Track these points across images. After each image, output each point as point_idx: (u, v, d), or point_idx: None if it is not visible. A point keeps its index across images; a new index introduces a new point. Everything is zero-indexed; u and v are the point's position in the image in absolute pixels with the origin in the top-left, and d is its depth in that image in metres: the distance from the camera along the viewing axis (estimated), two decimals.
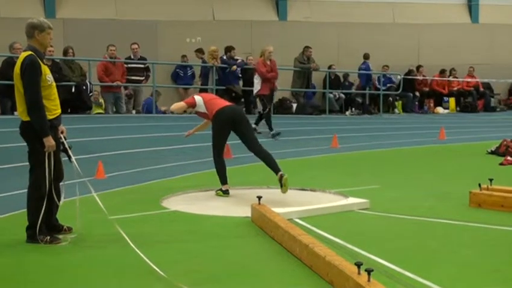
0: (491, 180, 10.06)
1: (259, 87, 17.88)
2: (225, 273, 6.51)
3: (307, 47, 23.36)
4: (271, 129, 17.74)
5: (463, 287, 5.97)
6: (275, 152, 14.78)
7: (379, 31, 26.89)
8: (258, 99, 19.22)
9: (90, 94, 19.33)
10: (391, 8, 27.84)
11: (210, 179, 11.64)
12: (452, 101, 27.31)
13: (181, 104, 10.93)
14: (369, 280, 5.29)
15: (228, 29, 23.72)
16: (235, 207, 9.82)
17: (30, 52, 7.57)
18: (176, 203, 9.99)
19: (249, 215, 8.86)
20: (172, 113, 10.38)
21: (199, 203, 10.09)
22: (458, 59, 27.09)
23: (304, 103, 23.62)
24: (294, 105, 23.69)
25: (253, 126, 16.67)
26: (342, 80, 25.55)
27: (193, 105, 10.79)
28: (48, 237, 7.70)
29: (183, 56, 23.20)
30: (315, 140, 17.68)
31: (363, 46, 26.26)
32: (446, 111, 26.94)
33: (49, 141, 7.56)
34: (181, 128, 16.03)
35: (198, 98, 10.81)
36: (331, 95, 24.62)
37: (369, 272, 5.30)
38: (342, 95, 25.18)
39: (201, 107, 10.72)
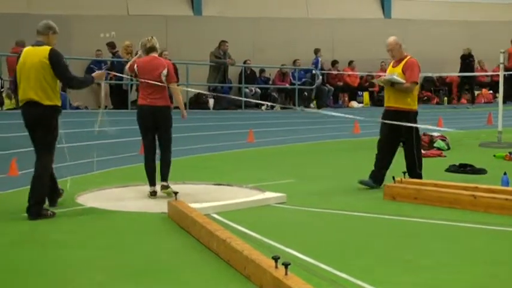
0: (404, 173, 10.24)
1: None
2: (142, 269, 6.46)
3: (223, 41, 23.40)
4: None
5: (378, 278, 6.05)
6: (191, 147, 14.82)
7: (294, 26, 27.08)
8: None
9: (2, 89, 18.95)
10: (305, 3, 28.07)
11: (126, 175, 11.55)
12: (366, 95, 27.72)
13: None
14: (286, 274, 5.32)
15: (143, 23, 23.53)
16: (151, 203, 9.76)
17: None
18: (92, 200, 9.87)
19: (166, 211, 8.82)
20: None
21: (115, 199, 9.99)
22: (371, 54, 27.46)
23: (221, 97, 23.66)
24: (211, 101, 23.66)
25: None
26: (257, 75, 25.66)
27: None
28: (50, 212, 8.76)
29: (98, 51, 22.95)
30: (231, 134, 17.69)
31: (278, 41, 26.43)
32: (360, 105, 27.29)
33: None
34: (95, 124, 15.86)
35: None
36: (247, 90, 24.70)
37: (286, 265, 5.32)
38: (258, 90, 25.28)
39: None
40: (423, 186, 9.81)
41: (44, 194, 8.90)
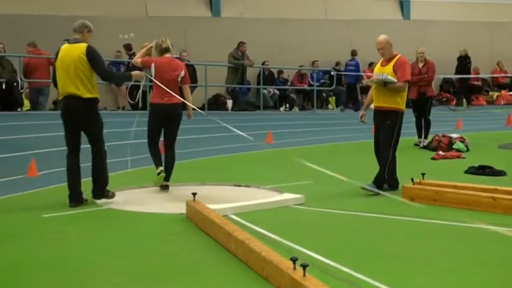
0: (423, 174, 10.19)
1: None
2: (160, 270, 6.48)
3: (241, 43, 23.40)
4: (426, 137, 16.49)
5: (396, 280, 6.03)
6: (210, 148, 14.83)
7: (313, 27, 27.06)
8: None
9: (21, 91, 19.06)
10: (324, 4, 28.04)
11: (145, 176, 11.58)
12: None
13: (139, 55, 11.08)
14: (304, 275, 5.31)
15: (161, 25, 23.58)
16: (170, 203, 9.78)
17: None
18: (110, 200, 9.89)
19: (184, 211, 8.83)
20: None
21: (133, 200, 10.02)
22: None
23: (239, 99, 23.70)
24: (229, 102, 23.68)
25: (421, 140, 16.31)
26: (276, 76, 25.68)
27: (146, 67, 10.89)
28: (111, 192, 9.76)
29: (117, 52, 23.03)
30: (249, 135, 17.64)
31: (296, 42, 26.42)
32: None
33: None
34: (115, 125, 15.93)
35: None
36: (266, 91, 24.72)
37: (304, 267, 5.32)
38: (276, 91, 25.29)
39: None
40: (442, 188, 9.78)
41: (106, 178, 9.75)
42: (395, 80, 10.33)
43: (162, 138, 11.08)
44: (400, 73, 10.38)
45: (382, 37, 10.71)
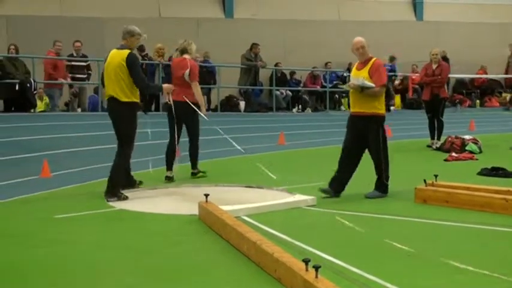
0: (436, 176, 10.16)
1: None
2: (171, 271, 6.49)
3: (255, 44, 23.39)
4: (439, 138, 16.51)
5: (408, 281, 6.02)
6: (222, 149, 14.82)
7: (326, 28, 27.04)
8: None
9: (35, 92, 19.13)
10: (337, 6, 28.01)
11: (157, 177, 11.60)
12: (397, 98, 27.56)
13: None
14: (316, 276, 5.31)
15: (175, 26, 23.63)
16: (182, 205, 9.80)
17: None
18: (123, 201, 9.92)
19: (197, 212, 8.84)
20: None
21: (146, 201, 10.05)
22: (403, 56, 27.29)
23: (252, 100, 23.70)
24: (242, 103, 23.69)
25: (434, 142, 16.38)
26: (288, 77, 25.67)
27: None
28: (124, 195, 10.07)
29: None
30: (262, 137, 17.69)
31: (309, 43, 26.41)
32: (392, 108, 27.15)
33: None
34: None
35: None
36: (278, 93, 24.71)
37: (316, 268, 5.31)
38: (289, 93, 25.28)
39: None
40: (454, 190, 9.76)
41: (120, 179, 10.18)
42: (373, 85, 10.01)
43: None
44: (376, 77, 10.07)
45: (358, 39, 10.48)
